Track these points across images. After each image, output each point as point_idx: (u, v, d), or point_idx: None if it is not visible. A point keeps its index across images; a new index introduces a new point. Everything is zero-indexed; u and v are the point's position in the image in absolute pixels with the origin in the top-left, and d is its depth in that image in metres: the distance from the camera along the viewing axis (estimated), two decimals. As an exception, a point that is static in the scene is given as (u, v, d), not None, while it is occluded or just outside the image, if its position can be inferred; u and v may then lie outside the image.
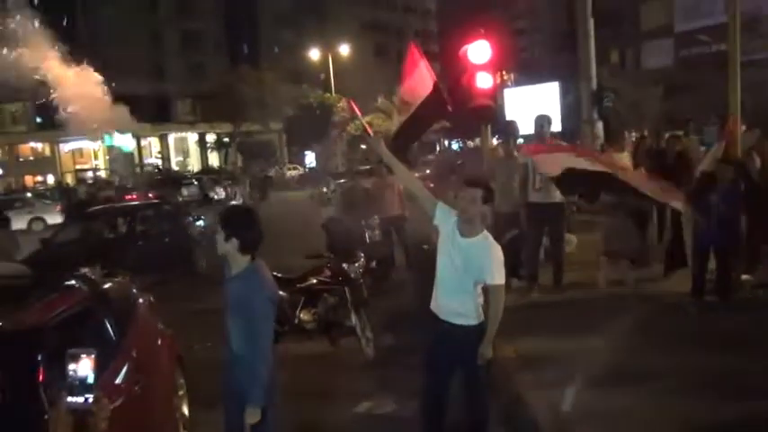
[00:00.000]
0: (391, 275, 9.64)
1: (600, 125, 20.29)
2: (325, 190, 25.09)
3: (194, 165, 54.27)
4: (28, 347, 2.98)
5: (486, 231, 3.63)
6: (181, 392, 4.67)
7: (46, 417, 2.84)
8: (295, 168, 49.92)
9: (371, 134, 4.25)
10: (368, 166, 20.84)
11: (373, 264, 8.53)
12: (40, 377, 2.90)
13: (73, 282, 3.90)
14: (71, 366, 2.19)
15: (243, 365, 3.22)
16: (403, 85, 6.56)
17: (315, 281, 6.59)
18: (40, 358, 2.96)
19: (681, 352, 5.37)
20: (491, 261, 3.54)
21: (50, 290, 3.62)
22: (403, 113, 6.65)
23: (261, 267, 3.30)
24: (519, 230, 7.49)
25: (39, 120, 50.99)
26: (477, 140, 40.63)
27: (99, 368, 3.32)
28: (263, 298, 3.21)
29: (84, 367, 2.20)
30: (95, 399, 2.22)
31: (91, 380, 2.21)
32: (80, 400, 2.19)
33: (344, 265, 6.52)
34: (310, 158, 53.03)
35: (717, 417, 4.29)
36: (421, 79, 6.27)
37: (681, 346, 5.54)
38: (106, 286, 4.27)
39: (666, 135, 12.89)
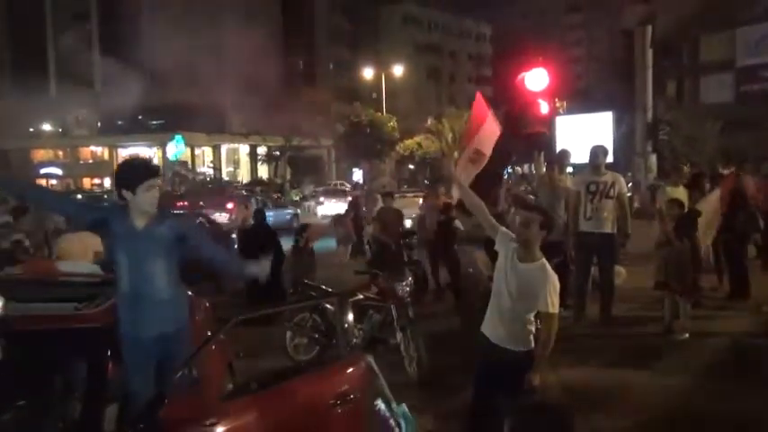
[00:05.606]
0: (425, 295, 9.58)
1: (654, 158, 19.95)
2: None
3: (244, 176, 55.27)
4: (99, 344, 3.14)
5: (543, 259, 3.65)
6: (228, 397, 4.77)
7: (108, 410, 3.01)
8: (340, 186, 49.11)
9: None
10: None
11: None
12: (108, 373, 3.07)
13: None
14: None
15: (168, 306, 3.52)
16: (478, 134, 6.69)
17: (362, 297, 6.67)
18: (108, 354, 3.14)
19: (737, 395, 5.23)
20: (546, 288, 3.56)
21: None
22: (477, 164, 6.77)
23: None
24: (562, 259, 7.39)
25: (100, 125, 53.12)
26: (526, 167, 40.33)
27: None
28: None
29: None
30: None
31: None
32: None
33: (393, 284, 6.59)
34: (358, 176, 53.34)
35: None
36: (492, 129, 6.49)
37: (739, 388, 5.37)
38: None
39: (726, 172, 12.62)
